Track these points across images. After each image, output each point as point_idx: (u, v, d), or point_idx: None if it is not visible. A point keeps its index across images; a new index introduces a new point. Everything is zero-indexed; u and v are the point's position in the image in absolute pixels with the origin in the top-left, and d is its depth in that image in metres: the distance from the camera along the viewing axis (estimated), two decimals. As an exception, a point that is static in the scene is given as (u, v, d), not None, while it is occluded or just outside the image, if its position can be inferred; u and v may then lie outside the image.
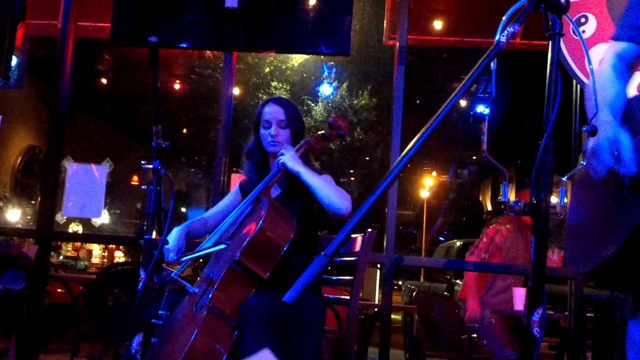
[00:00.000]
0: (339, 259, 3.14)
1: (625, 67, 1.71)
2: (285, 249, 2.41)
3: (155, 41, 1.95)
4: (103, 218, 14.91)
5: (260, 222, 2.36)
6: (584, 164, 1.40)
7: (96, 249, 18.60)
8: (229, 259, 2.39)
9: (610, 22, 3.92)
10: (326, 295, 2.90)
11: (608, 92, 1.64)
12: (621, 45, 1.73)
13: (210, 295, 2.31)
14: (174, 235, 2.62)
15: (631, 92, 1.69)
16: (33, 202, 12.93)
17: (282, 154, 2.65)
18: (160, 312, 2.35)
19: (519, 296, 4.35)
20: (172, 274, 2.40)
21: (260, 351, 0.58)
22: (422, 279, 10.31)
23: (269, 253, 2.39)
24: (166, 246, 2.51)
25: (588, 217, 1.64)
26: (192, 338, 2.20)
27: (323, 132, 2.80)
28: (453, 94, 1.25)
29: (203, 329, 2.23)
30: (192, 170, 16.63)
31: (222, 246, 2.49)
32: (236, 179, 4.03)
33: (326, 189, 2.57)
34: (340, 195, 2.56)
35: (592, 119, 1.38)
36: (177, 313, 2.49)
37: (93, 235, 6.45)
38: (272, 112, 2.77)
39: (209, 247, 2.54)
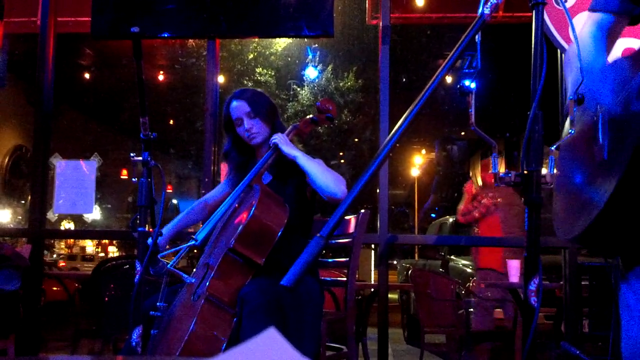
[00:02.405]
0: (334, 241, 3.15)
1: (603, 35, 1.73)
2: (279, 234, 2.41)
3: (138, 32, 1.93)
4: (94, 214, 14.86)
5: (253, 208, 2.37)
6: (572, 132, 1.40)
7: (89, 245, 18.56)
8: (224, 247, 2.39)
9: (591, -10, 3.91)
10: (323, 277, 2.91)
11: (584, 61, 1.64)
12: (598, 16, 1.74)
13: (207, 284, 2.32)
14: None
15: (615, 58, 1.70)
16: (23, 201, 12.87)
17: (274, 137, 2.65)
18: (158, 304, 2.35)
19: (514, 268, 4.38)
20: (168, 266, 2.40)
21: (264, 331, 0.58)
22: (416, 257, 10.36)
23: (263, 239, 2.39)
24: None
25: (571, 183, 1.65)
26: (191, 327, 2.21)
27: (312, 116, 2.80)
28: (439, 70, 1.25)
29: (202, 318, 2.24)
30: (181, 160, 16.58)
31: (192, 242, 2.50)
32: (226, 168, 4.02)
33: (323, 174, 2.57)
34: (337, 180, 2.57)
35: (578, 86, 1.38)
36: (175, 304, 2.49)
37: (86, 231, 6.44)
38: (237, 108, 2.76)
39: (182, 245, 2.54)
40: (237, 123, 2.78)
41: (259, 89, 2.92)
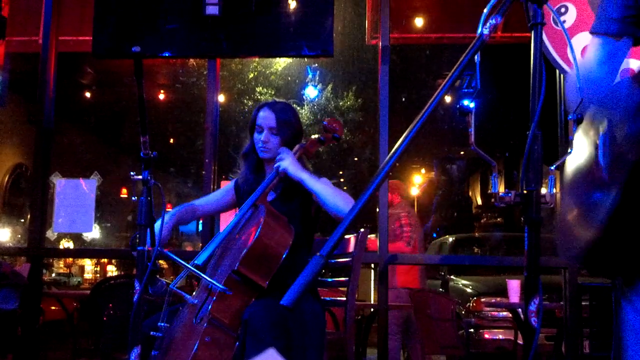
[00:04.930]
0: (333, 260, 3.14)
1: (608, 57, 1.74)
2: (284, 256, 2.39)
3: (139, 51, 1.94)
4: (94, 232, 14.83)
5: (259, 230, 2.33)
6: (571, 151, 1.40)
7: (88, 264, 18.46)
8: (227, 269, 2.36)
9: (590, 11, 3.95)
10: (322, 297, 2.89)
11: (591, 84, 1.66)
12: (599, 39, 1.75)
13: (210, 306, 2.29)
14: (160, 224, 2.40)
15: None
16: (22, 220, 12.83)
17: (281, 159, 2.62)
18: (159, 324, 2.34)
19: (514, 288, 4.36)
20: (170, 285, 2.38)
21: (264, 352, 0.58)
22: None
23: (268, 261, 2.36)
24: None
25: (574, 203, 1.66)
26: (194, 350, 2.18)
27: (318, 135, 2.78)
28: (438, 89, 1.26)
29: (204, 341, 2.21)
30: (181, 179, 16.57)
31: (206, 277, 2.43)
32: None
33: (331, 195, 2.54)
34: (345, 200, 2.54)
35: (577, 107, 1.39)
36: (177, 324, 2.46)
37: (85, 249, 6.42)
38: (265, 117, 2.74)
39: (197, 266, 2.48)
40: (258, 130, 2.76)
41: (294, 110, 2.87)
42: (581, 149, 1.60)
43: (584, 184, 1.62)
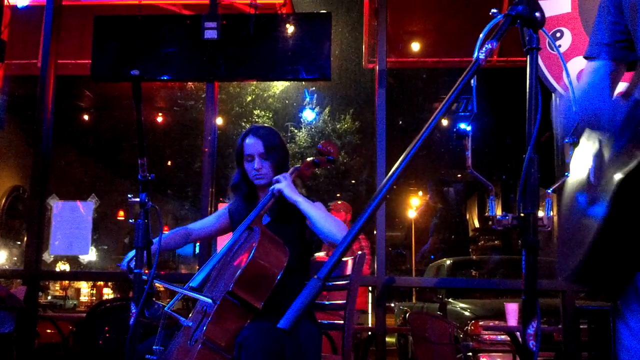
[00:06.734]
0: (330, 283, 3.12)
1: (602, 80, 1.76)
2: (279, 277, 2.38)
3: (138, 75, 1.95)
4: (90, 255, 14.77)
5: (253, 251, 2.34)
6: (568, 175, 1.41)
7: (84, 287, 18.37)
8: (222, 290, 2.36)
9: (585, 36, 3.99)
10: (319, 320, 2.88)
11: (585, 107, 1.68)
12: (593, 64, 1.78)
13: (204, 328, 2.28)
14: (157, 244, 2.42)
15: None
16: (19, 242, 12.79)
17: (278, 181, 2.63)
18: (154, 347, 2.32)
19: (512, 311, 4.34)
20: (166, 308, 2.37)
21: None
22: (414, 300, 10.28)
23: (262, 282, 2.36)
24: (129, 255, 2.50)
25: (568, 223, 1.67)
26: (187, 372, 2.17)
27: (313, 158, 2.79)
28: (435, 113, 1.27)
29: (198, 363, 2.20)
30: (179, 201, 16.56)
31: (205, 298, 2.42)
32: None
33: (325, 221, 2.55)
34: (339, 227, 2.55)
35: (573, 130, 1.40)
36: (172, 347, 2.45)
37: (82, 272, 6.38)
38: (252, 144, 2.75)
39: (192, 291, 2.47)
40: (248, 159, 2.77)
41: (278, 132, 2.88)
42: (578, 170, 1.62)
43: (579, 203, 1.63)
